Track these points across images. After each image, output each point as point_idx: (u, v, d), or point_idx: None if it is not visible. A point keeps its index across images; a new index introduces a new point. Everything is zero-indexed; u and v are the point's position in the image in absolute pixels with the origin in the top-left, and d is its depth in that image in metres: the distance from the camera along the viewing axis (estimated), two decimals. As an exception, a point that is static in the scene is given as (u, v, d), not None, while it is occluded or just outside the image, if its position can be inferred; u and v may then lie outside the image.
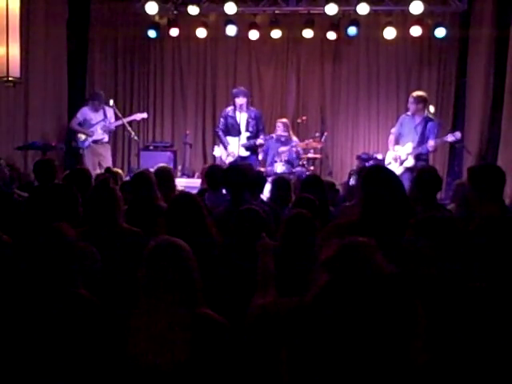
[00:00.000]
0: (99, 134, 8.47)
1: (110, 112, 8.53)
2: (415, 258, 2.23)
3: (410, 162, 7.35)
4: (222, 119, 8.23)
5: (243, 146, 7.92)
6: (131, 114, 9.47)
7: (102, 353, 2.35)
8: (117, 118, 8.61)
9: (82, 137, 8.46)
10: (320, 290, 1.61)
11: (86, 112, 8.56)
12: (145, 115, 9.05)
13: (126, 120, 8.53)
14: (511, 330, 1.85)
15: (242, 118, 7.94)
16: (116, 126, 8.78)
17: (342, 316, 1.52)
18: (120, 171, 6.19)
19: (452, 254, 2.17)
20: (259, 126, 8.04)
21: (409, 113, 7.63)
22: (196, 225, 3.24)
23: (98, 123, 8.44)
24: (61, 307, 2.36)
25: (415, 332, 1.55)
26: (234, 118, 8.02)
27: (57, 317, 2.34)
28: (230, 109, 8.18)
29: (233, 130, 8.03)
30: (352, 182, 6.59)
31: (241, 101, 7.92)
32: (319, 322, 1.57)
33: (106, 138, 8.60)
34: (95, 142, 8.45)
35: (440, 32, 8.92)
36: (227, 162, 7.96)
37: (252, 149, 8.11)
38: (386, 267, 1.61)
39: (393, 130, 7.83)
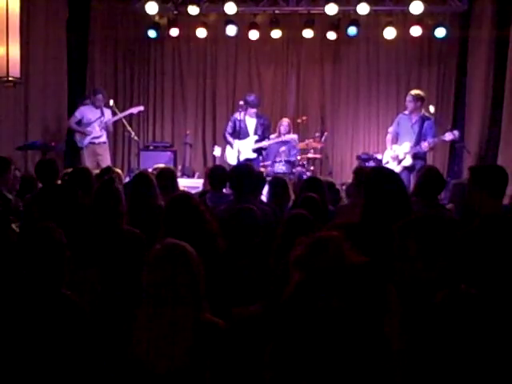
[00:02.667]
0: (97, 131, 8.47)
1: (107, 111, 8.55)
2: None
3: (408, 161, 7.36)
4: (230, 123, 8.48)
5: (251, 148, 8.11)
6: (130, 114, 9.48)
7: (95, 354, 2.34)
8: (114, 116, 8.63)
9: (81, 136, 8.46)
10: (294, 288, 1.63)
11: (84, 111, 8.56)
12: (141, 108, 9.05)
13: (122, 114, 8.54)
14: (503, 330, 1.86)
15: (251, 122, 8.25)
16: (114, 122, 8.80)
17: (318, 311, 1.54)
18: (119, 171, 6.16)
19: (438, 253, 2.18)
20: (265, 134, 8.30)
21: (406, 112, 7.64)
22: (193, 224, 3.24)
23: (96, 121, 8.45)
24: (46, 308, 2.35)
25: (389, 317, 1.58)
26: (243, 122, 8.24)
27: (43, 318, 2.33)
28: (238, 114, 8.29)
29: (242, 134, 8.18)
30: None
31: (254, 110, 8.23)
32: (296, 319, 1.59)
33: (105, 138, 8.60)
34: (94, 140, 8.44)
35: (440, 32, 8.92)
36: (233, 162, 8.06)
37: (259, 151, 8.30)
38: (355, 258, 1.64)
39: (390, 129, 7.83)
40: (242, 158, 8.10)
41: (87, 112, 8.53)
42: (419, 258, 2.21)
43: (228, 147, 8.45)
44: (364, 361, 1.54)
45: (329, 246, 1.71)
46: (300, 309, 1.58)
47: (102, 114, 8.47)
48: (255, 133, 8.26)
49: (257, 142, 8.27)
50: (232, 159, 8.24)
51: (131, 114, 9.05)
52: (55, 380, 2.30)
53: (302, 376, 1.57)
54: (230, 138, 8.35)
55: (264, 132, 8.33)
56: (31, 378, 2.30)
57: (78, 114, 8.55)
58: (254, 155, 8.27)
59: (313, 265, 1.65)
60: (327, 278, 1.58)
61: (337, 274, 1.58)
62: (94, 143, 8.46)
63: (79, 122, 8.52)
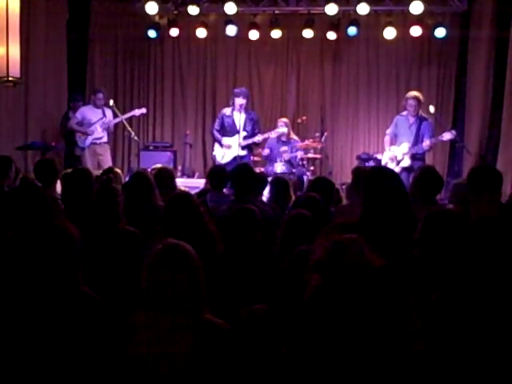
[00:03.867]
0: (99, 132, 8.45)
1: (108, 112, 8.53)
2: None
3: (407, 162, 7.38)
4: (218, 120, 8.27)
5: (240, 145, 7.92)
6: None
7: (104, 352, 2.35)
8: (116, 117, 8.60)
9: (82, 136, 8.45)
10: (314, 289, 1.63)
11: (84, 111, 8.54)
12: (143, 110, 8.99)
13: (125, 116, 8.52)
14: (506, 325, 1.87)
15: (240, 118, 7.94)
16: (115, 124, 8.77)
17: (339, 312, 1.54)
18: (119, 171, 6.16)
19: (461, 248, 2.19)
20: (255, 129, 8.07)
21: (403, 113, 7.66)
22: (193, 223, 3.24)
23: (97, 121, 8.43)
24: (65, 305, 2.36)
25: (408, 320, 1.57)
26: (231, 117, 8.04)
27: (61, 315, 2.34)
28: (227, 109, 8.20)
29: (229, 130, 8.03)
30: None
31: (241, 101, 7.93)
32: (317, 320, 1.58)
33: (106, 138, 8.58)
34: (95, 140, 8.43)
35: (440, 32, 8.92)
36: (223, 161, 7.93)
37: (249, 148, 8.11)
38: (375, 260, 1.64)
39: (388, 131, 7.86)
40: (231, 156, 8.01)
41: (88, 112, 8.50)
42: (441, 250, 2.22)
43: (216, 145, 8.28)
44: (385, 362, 1.53)
45: (349, 249, 1.70)
46: (321, 311, 1.58)
47: (104, 114, 8.45)
48: (244, 128, 7.97)
49: (246, 138, 7.99)
50: (221, 157, 8.14)
51: (133, 116, 9.02)
52: (72, 377, 2.31)
53: (320, 376, 1.56)
54: (217, 135, 8.15)
55: (253, 127, 8.05)
56: (49, 375, 2.31)
57: (78, 115, 8.52)
58: (244, 152, 8.01)
59: (333, 268, 1.65)
60: (348, 281, 1.57)
61: (358, 277, 1.58)
62: (95, 143, 8.45)
63: (80, 123, 8.50)
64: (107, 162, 8.33)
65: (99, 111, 8.47)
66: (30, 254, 2.47)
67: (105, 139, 8.56)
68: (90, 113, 8.49)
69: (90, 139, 8.40)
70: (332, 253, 1.71)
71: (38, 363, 2.31)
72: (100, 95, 8.48)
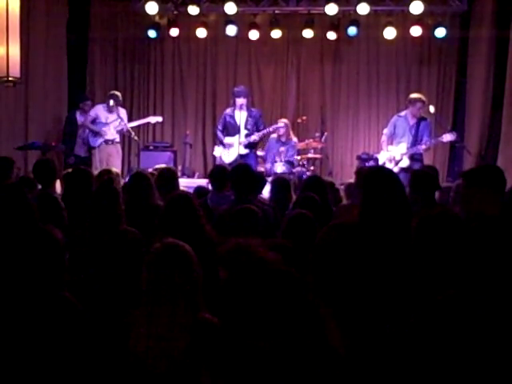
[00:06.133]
0: (112, 133, 8.43)
1: (123, 113, 8.51)
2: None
3: (405, 163, 7.36)
4: (221, 120, 8.30)
5: (241, 144, 7.92)
6: (131, 114, 9.46)
7: (94, 354, 2.34)
8: (129, 122, 8.58)
9: (94, 135, 8.43)
10: (222, 285, 1.64)
11: (98, 111, 8.52)
12: (159, 119, 8.98)
13: (140, 122, 8.56)
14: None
15: (241, 117, 7.95)
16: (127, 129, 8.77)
17: (243, 307, 1.54)
18: (118, 171, 6.15)
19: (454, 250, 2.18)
20: (259, 126, 8.05)
21: (401, 114, 7.65)
22: (190, 225, 3.24)
23: (112, 123, 8.41)
24: (47, 310, 2.34)
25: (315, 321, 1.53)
26: (232, 117, 8.04)
27: (42, 320, 2.32)
28: (229, 109, 8.21)
29: (231, 129, 8.03)
30: None
31: (241, 101, 7.95)
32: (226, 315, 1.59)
33: (118, 138, 8.59)
34: (107, 141, 8.42)
35: (440, 32, 8.93)
36: (227, 161, 7.95)
37: (251, 146, 8.11)
38: (269, 255, 1.63)
39: (385, 131, 7.84)
40: (234, 155, 8.00)
41: (102, 112, 8.47)
42: (437, 253, 2.22)
43: (218, 145, 8.31)
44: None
45: (248, 251, 1.71)
46: (228, 305, 1.58)
47: (119, 116, 8.38)
48: (245, 127, 7.97)
49: (247, 136, 7.97)
50: (225, 157, 8.14)
51: (148, 123, 8.99)
52: (54, 381, 2.30)
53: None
54: (220, 136, 8.18)
55: (256, 124, 8.02)
56: (30, 380, 2.29)
57: (92, 113, 8.51)
58: (246, 151, 8.01)
59: (235, 265, 1.66)
60: (247, 278, 1.56)
61: (252, 273, 1.57)
62: (107, 143, 8.43)
63: (93, 121, 8.48)
64: (116, 162, 8.31)
65: (114, 113, 8.40)
66: (11, 256, 2.45)
67: (117, 139, 8.56)
68: (104, 113, 8.46)
69: (101, 140, 8.38)
70: (234, 252, 1.72)
71: (16, 368, 2.28)
72: (110, 101, 8.37)
